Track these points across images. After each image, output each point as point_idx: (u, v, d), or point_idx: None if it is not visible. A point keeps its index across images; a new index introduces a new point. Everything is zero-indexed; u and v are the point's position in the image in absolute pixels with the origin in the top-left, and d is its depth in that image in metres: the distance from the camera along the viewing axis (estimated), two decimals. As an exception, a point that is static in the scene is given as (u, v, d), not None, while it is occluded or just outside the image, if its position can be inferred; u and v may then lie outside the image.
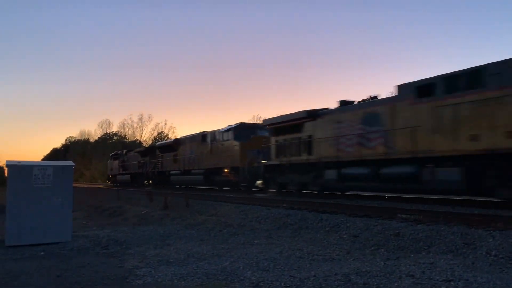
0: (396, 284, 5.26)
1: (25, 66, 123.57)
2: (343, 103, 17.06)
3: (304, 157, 17.88)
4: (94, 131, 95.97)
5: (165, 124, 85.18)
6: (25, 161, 9.52)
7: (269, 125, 20.66)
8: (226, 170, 23.17)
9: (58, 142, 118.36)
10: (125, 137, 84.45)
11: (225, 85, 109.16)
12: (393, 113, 14.13)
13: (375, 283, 5.34)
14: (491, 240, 6.94)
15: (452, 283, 5.18)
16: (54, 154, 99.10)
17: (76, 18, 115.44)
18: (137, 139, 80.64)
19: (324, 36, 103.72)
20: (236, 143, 22.60)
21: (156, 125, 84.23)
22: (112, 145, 75.77)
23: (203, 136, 26.34)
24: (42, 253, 8.25)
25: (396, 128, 13.84)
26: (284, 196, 18.39)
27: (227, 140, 23.47)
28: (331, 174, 16.16)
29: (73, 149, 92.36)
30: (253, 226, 11.09)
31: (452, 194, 13.55)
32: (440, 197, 14.40)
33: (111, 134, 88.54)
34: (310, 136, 17.64)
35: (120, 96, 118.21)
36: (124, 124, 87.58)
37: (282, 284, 5.50)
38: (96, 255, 8.04)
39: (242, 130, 23.11)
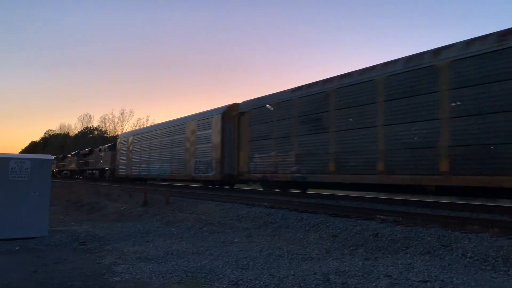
0: (374, 284, 5.32)
1: (3, 59, 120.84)
2: None
3: None
4: (74, 125, 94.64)
5: (147, 119, 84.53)
6: (1, 153, 9.30)
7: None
8: (106, 169, 38.97)
9: (37, 135, 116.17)
10: (105, 132, 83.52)
11: (208, 80, 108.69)
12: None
13: (353, 283, 5.39)
14: (467, 242, 7.07)
15: (428, 283, 5.27)
16: (33, 147, 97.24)
17: (56, 14, 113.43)
18: (118, 134, 79.76)
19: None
20: (110, 153, 37.81)
21: (137, 120, 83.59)
22: (92, 140, 74.74)
23: (99, 149, 42.24)
24: (17, 247, 8.08)
25: None
26: (267, 194, 18.42)
27: (106, 151, 39.09)
28: None
29: (52, 143, 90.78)
30: (234, 225, 11.07)
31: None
32: (419, 199, 14.64)
33: (91, 128, 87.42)
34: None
35: (102, 90, 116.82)
36: (105, 119, 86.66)
37: (261, 283, 5.51)
38: (74, 251, 7.92)
39: (114, 145, 38.01)
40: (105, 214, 15.67)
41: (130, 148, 31.41)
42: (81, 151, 48.98)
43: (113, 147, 37.26)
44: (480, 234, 7.47)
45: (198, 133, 22.18)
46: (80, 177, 48.13)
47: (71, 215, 16.17)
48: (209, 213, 12.90)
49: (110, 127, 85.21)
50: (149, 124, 78.90)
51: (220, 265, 6.53)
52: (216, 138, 20.55)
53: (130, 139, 31.95)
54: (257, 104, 18.62)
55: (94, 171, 42.80)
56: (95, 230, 10.44)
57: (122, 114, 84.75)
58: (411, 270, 5.93)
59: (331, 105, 14.69)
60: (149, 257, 7.26)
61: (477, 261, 6.35)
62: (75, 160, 50.30)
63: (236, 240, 9.02)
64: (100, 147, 42.85)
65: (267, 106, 17.73)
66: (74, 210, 18.25)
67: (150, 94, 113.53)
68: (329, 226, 9.48)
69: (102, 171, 40.13)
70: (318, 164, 15.09)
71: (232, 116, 20.02)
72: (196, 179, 22.40)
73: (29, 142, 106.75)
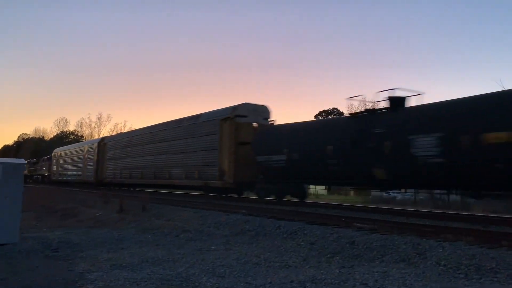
0: (349, 292, 5.34)
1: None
2: None
3: None
4: (50, 129, 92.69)
5: (124, 124, 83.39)
6: (-28, 157, 9.03)
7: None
8: (46, 174, 50.31)
9: (10, 139, 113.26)
10: (82, 136, 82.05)
11: (186, 86, 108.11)
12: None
13: (330, 291, 5.39)
14: (441, 250, 7.18)
15: (403, 291, 5.32)
16: (5, 151, 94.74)
17: (32, 15, 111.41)
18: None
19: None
20: (48, 163, 49.48)
21: (115, 125, 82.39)
22: (68, 144, 73.27)
23: (43, 159, 52.86)
24: (-14, 254, 7.83)
25: None
26: (244, 202, 18.38)
27: (45, 161, 50.84)
28: None
29: (26, 147, 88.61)
30: (211, 232, 10.98)
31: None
32: (395, 208, 14.83)
33: (67, 133, 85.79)
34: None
35: (79, 94, 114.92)
36: (81, 123, 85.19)
37: (238, 290, 5.47)
38: (45, 258, 7.71)
39: (50, 157, 49.04)
40: (79, 220, 15.36)
41: (59, 160, 45.22)
42: (31, 160, 58.04)
43: (50, 158, 49.04)
44: (453, 242, 7.60)
45: (87, 154, 37.09)
46: (30, 180, 56.25)
47: (44, 221, 15.78)
48: (186, 220, 12.77)
49: (87, 131, 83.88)
50: (126, 129, 78.03)
51: (196, 273, 6.45)
52: (95, 157, 35.07)
53: (59, 153, 46.15)
54: (111, 139, 36.07)
55: (38, 176, 54.65)
56: (68, 237, 10.20)
57: (99, 118, 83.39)
58: (387, 278, 5.98)
59: (131, 144, 30.10)
60: (124, 264, 7.12)
61: (451, 269, 6.45)
62: (27, 166, 57.91)
63: (213, 247, 8.94)
64: (44, 157, 54.12)
65: (109, 142, 34.25)
66: (48, 216, 17.81)
67: (128, 99, 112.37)
68: (306, 233, 9.49)
69: (43, 176, 51.76)
70: (126, 173, 29.68)
71: (101, 144, 34.93)
72: (86, 181, 36.46)
73: (2, 145, 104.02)
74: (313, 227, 9.93)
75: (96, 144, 35.36)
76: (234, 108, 20.07)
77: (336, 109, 54.70)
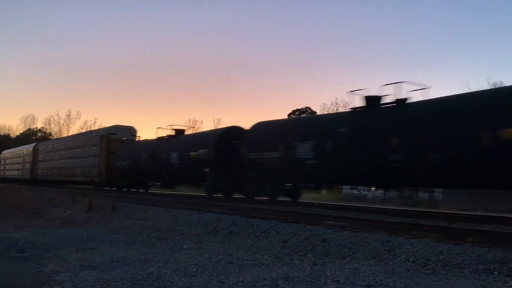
0: (321, 289, 5.39)
1: None
2: None
3: None
4: (16, 126, 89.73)
5: (94, 122, 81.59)
6: None
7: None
8: None
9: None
10: (50, 134, 79.84)
11: (158, 85, 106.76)
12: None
13: (302, 288, 5.43)
14: (409, 247, 7.34)
15: (373, 288, 5.41)
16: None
17: None
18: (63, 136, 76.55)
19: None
20: None
21: (84, 123, 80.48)
22: (35, 142, 71.19)
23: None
24: None
25: None
26: (215, 201, 18.32)
27: None
28: None
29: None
30: (183, 231, 10.89)
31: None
32: (366, 205, 15.08)
33: (35, 130, 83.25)
34: None
35: (47, 91, 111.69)
36: (50, 120, 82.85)
37: (210, 289, 5.44)
38: (11, 259, 7.48)
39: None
40: (47, 220, 14.96)
41: (6, 161, 51.14)
42: None
43: None
44: (422, 239, 7.80)
45: (26, 156, 43.75)
46: None
47: (9, 221, 15.29)
48: (158, 219, 12.62)
49: (55, 129, 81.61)
50: (96, 126, 76.47)
51: (168, 272, 6.38)
52: (30, 159, 41.91)
53: (6, 155, 51.93)
54: (42, 144, 42.34)
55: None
56: (35, 237, 9.91)
57: (68, 115, 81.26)
58: (358, 275, 6.07)
59: (53, 149, 37.19)
60: (94, 264, 6.97)
61: (419, 265, 6.61)
62: None
63: (185, 246, 8.87)
64: None
65: (40, 147, 40.78)
66: (14, 216, 17.26)
67: (98, 96, 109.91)
68: (279, 231, 9.54)
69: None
70: (50, 172, 37.05)
71: (35, 149, 41.50)
72: (25, 179, 42.49)
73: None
74: (285, 225, 9.99)
75: (31, 149, 42.89)
76: (108, 128, 30.48)
77: (309, 108, 55.17)
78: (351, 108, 14.80)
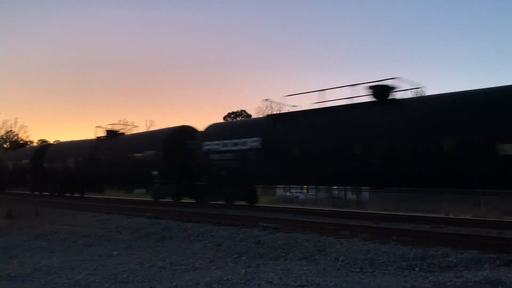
0: (255, 291, 5.42)
1: None
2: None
3: None
4: None
5: (15, 122, 76.05)
6: None
7: None
8: None
9: None
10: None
11: (89, 85, 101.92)
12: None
13: (236, 291, 5.43)
14: (339, 246, 7.62)
15: None
16: None
17: None
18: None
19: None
20: None
21: (3, 122, 74.85)
22: None
23: None
24: None
25: None
26: (148, 205, 17.82)
27: None
28: None
29: None
30: (113, 237, 10.46)
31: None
32: (299, 207, 15.43)
33: None
34: None
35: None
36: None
37: (142, 296, 5.27)
38: None
39: None
40: (-42, 228, 13.67)
41: None
42: None
43: None
44: (351, 239, 8.12)
45: None
46: None
47: None
48: (86, 225, 12.03)
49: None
50: (17, 127, 71.38)
51: (97, 280, 6.10)
52: None
53: None
54: None
55: None
56: None
57: (-15, 115, 74.97)
58: (290, 275, 6.18)
59: None
60: (13, 274, 6.49)
61: (348, 264, 6.87)
62: None
63: (115, 252, 8.53)
64: None
65: None
66: None
67: (20, 95, 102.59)
68: (213, 235, 9.49)
69: None
70: None
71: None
72: None
73: None
74: (220, 228, 9.96)
75: None
76: None
77: (244, 111, 55.55)
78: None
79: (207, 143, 16.19)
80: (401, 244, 7.51)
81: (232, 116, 53.85)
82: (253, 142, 14.51)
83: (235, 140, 15.16)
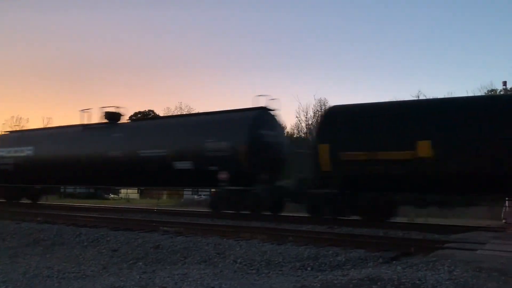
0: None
1: None
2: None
3: None
4: None
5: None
6: None
7: None
8: None
9: None
10: None
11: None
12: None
13: (127, 299, 5.21)
14: (238, 249, 7.70)
15: (199, 292, 5.49)
16: None
17: None
18: None
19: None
20: None
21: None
22: None
23: None
24: None
25: None
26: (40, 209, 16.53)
27: None
28: None
29: None
30: (-5, 244, 9.52)
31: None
32: (202, 210, 15.37)
33: None
34: None
35: None
36: None
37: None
38: None
39: None
40: None
41: None
42: None
43: None
44: (250, 241, 8.26)
45: None
46: None
47: None
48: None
49: None
50: None
51: (-33, 294, 5.48)
52: None
53: None
54: None
55: None
56: None
57: None
58: (186, 280, 6.08)
59: None
60: None
61: (245, 266, 6.95)
62: None
63: (-5, 262, 7.74)
64: None
65: None
66: None
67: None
68: (109, 240, 9.06)
69: None
70: None
71: None
72: None
73: None
74: (117, 233, 9.55)
75: None
76: None
77: (152, 111, 54.07)
78: None
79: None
80: (296, 245, 7.81)
81: (139, 115, 52.11)
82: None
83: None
